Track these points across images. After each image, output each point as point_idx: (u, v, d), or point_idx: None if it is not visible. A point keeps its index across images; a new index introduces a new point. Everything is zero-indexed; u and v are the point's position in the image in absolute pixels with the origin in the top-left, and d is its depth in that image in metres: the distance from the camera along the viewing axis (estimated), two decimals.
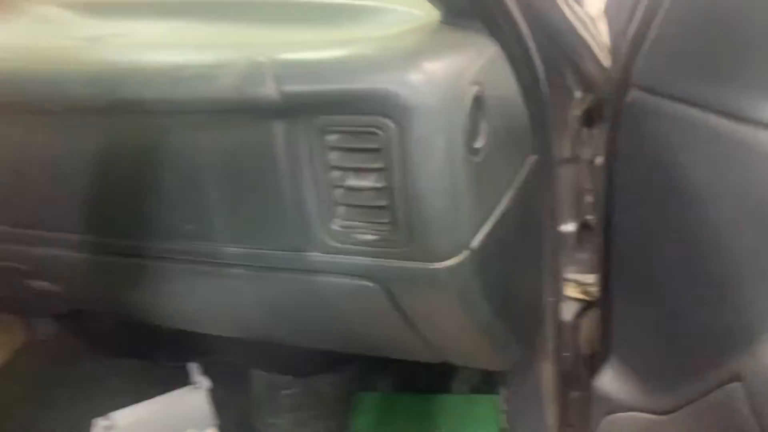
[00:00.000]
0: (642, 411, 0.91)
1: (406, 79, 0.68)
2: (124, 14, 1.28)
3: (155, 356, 1.65)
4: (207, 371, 1.60)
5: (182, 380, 1.58)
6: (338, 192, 0.75)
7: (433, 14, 0.86)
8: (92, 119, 0.82)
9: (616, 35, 0.96)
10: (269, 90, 0.69)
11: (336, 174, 0.74)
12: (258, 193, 0.79)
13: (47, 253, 1.02)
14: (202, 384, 1.58)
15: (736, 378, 0.69)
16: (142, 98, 0.73)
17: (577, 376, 1.18)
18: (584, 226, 1.09)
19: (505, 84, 0.85)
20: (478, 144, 0.75)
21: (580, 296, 1.11)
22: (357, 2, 1.08)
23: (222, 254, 0.87)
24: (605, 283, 1.02)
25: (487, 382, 1.54)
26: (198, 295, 1.04)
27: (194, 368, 1.60)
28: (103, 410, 1.41)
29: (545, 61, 0.91)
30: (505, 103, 0.84)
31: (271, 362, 1.55)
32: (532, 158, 0.95)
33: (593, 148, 1.05)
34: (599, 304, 1.06)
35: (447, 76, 0.71)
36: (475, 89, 0.74)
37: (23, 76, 0.80)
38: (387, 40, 0.80)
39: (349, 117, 0.70)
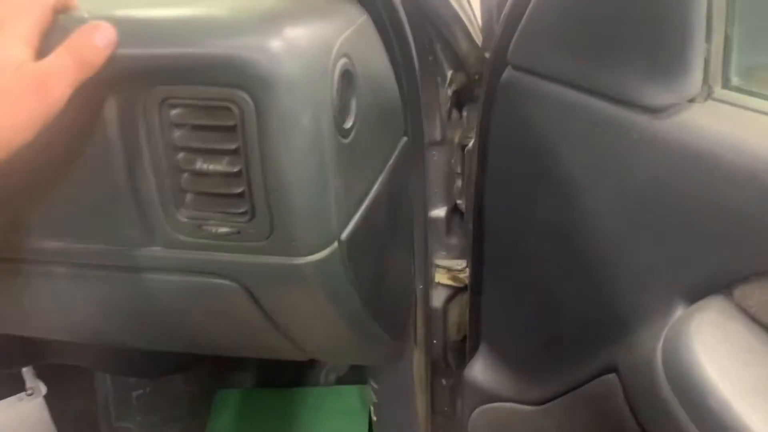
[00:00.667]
0: (514, 402, 0.89)
1: (265, 46, 0.58)
2: None
3: None
4: (43, 375, 1.42)
5: (15, 387, 1.39)
6: (185, 177, 0.64)
7: None
8: None
9: (489, 10, 0.92)
10: None
11: (181, 156, 0.63)
12: (85, 177, 0.65)
13: None
14: (37, 390, 1.41)
15: (612, 369, 0.67)
16: None
17: (446, 363, 1.16)
18: (454, 211, 1.06)
19: (375, 58, 0.77)
20: (348, 123, 0.68)
21: (450, 282, 1.09)
22: None
23: (54, 251, 0.72)
24: (476, 270, 0.99)
25: (355, 373, 1.49)
26: (20, 297, 0.88)
27: (28, 373, 1.42)
28: None
29: (416, 35, 0.85)
30: (375, 80, 0.77)
31: (115, 364, 1.39)
32: (404, 141, 0.89)
33: (464, 130, 1.02)
34: (470, 291, 1.03)
35: (312, 44, 0.62)
36: (342, 61, 0.66)
37: None
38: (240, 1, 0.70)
39: (196, 88, 0.59)
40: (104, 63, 0.57)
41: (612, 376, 0.67)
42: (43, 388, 1.41)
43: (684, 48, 0.62)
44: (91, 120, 0.63)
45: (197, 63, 0.58)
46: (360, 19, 0.73)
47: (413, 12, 0.81)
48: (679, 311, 0.63)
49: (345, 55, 0.66)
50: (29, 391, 1.40)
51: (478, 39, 0.97)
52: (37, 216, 0.69)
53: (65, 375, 1.44)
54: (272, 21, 0.61)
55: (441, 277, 1.08)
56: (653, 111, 0.64)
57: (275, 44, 0.59)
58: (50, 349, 1.34)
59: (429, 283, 1.06)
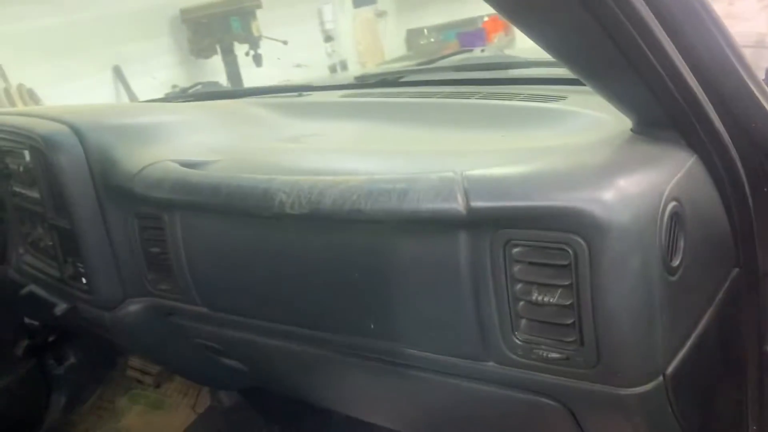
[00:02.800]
0: None
1: (599, 197, 0.66)
2: (319, 114, 1.41)
3: None
4: None
5: None
6: (521, 305, 0.74)
7: (622, 121, 0.83)
8: (294, 223, 0.89)
9: None
10: (458, 205, 0.71)
11: (519, 287, 0.73)
12: (440, 300, 0.79)
13: (242, 337, 1.11)
14: None
15: None
16: (339, 210, 0.78)
17: None
18: None
19: (705, 195, 0.79)
20: (676, 262, 0.71)
21: None
22: (545, 105, 1.09)
23: (400, 354, 0.88)
24: None
25: None
26: (371, 389, 1.06)
27: None
28: None
29: (748, 169, 0.84)
30: (704, 216, 0.79)
31: None
32: (735, 272, 0.87)
33: None
34: None
35: (642, 192, 0.68)
36: (672, 205, 0.70)
37: (235, 184, 0.90)
38: (576, 152, 0.79)
39: (536, 232, 0.70)
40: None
41: None
42: None
43: None
44: (446, 252, 0.77)
45: (540, 213, 0.68)
46: (689, 161, 0.76)
47: (746, 148, 0.81)
48: None
49: (674, 198, 0.70)
50: None
51: None
52: (402, 327, 0.85)
53: None
54: (605, 172, 0.69)
55: None
56: None
57: (608, 196, 0.66)
58: None
59: (765, 425, 0.97)
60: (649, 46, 0.67)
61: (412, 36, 5.59)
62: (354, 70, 4.86)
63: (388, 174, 0.78)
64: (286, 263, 0.93)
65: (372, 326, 0.87)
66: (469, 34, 5.14)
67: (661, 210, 0.68)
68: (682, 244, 0.72)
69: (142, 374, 2.07)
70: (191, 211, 1.03)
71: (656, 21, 0.66)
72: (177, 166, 1.04)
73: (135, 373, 2.08)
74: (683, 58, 0.71)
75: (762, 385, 0.95)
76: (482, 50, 1.73)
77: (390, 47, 5.49)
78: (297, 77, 3.07)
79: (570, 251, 0.68)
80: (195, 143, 1.21)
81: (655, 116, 0.76)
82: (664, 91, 0.71)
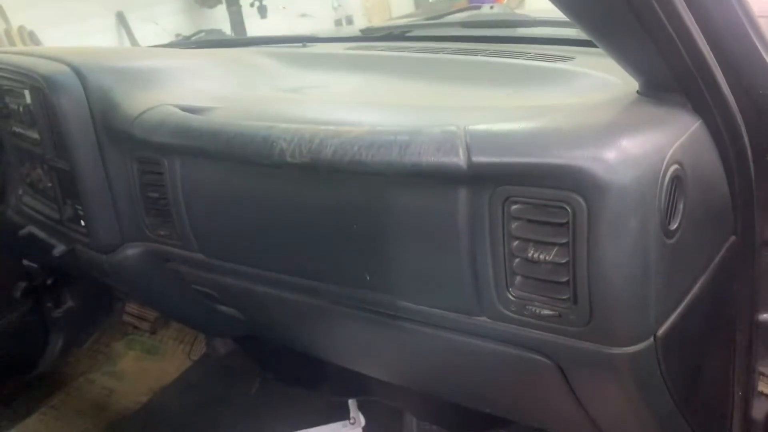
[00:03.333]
0: None
1: (601, 156, 0.65)
2: (322, 66, 1.39)
3: (318, 387, 1.72)
4: (364, 409, 1.64)
5: (341, 414, 1.63)
6: (517, 262, 0.74)
7: (629, 83, 0.83)
8: (293, 172, 0.88)
9: None
10: (459, 160, 0.70)
11: (516, 244, 0.73)
12: (437, 254, 0.80)
13: (237, 284, 1.11)
14: (358, 420, 1.62)
15: None
16: (340, 160, 0.77)
17: None
18: None
19: (707, 161, 0.79)
20: (674, 225, 0.71)
21: None
22: (553, 65, 1.07)
23: (395, 307, 0.89)
24: None
25: None
26: (364, 340, 1.07)
27: (353, 404, 1.65)
28: None
29: (752, 137, 0.84)
30: (705, 181, 0.79)
31: (426, 411, 1.55)
32: (732, 239, 0.87)
33: None
34: None
35: (645, 154, 0.68)
36: (674, 168, 0.70)
37: (235, 130, 0.89)
38: (581, 111, 0.79)
39: (536, 189, 0.69)
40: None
41: None
42: (362, 420, 1.63)
43: None
44: (445, 207, 0.77)
45: (540, 170, 0.68)
46: (694, 125, 0.75)
47: (752, 115, 0.81)
48: None
49: (677, 162, 0.70)
50: (352, 420, 1.63)
51: None
52: (399, 280, 0.85)
53: (381, 412, 1.64)
54: (608, 132, 0.69)
55: (765, 387, 1.00)
56: None
57: (610, 155, 0.66)
58: (373, 386, 1.56)
59: (750, 391, 0.99)
60: (662, 6, 0.65)
61: None
62: (360, 24, 4.80)
63: (391, 126, 0.78)
64: (284, 212, 0.93)
65: (368, 278, 0.87)
66: None
67: (662, 172, 0.68)
68: (681, 207, 0.72)
69: (138, 320, 2.10)
70: (191, 156, 1.02)
71: None
72: (177, 110, 1.03)
73: (132, 319, 2.11)
74: (695, 19, 0.70)
75: (750, 352, 0.96)
76: (491, 7, 1.70)
77: (398, 4, 5.39)
78: (301, 29, 3.02)
79: (569, 209, 0.68)
80: (196, 89, 1.20)
81: (663, 78, 0.76)
82: (673, 52, 0.70)
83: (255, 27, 4.38)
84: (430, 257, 0.80)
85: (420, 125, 0.75)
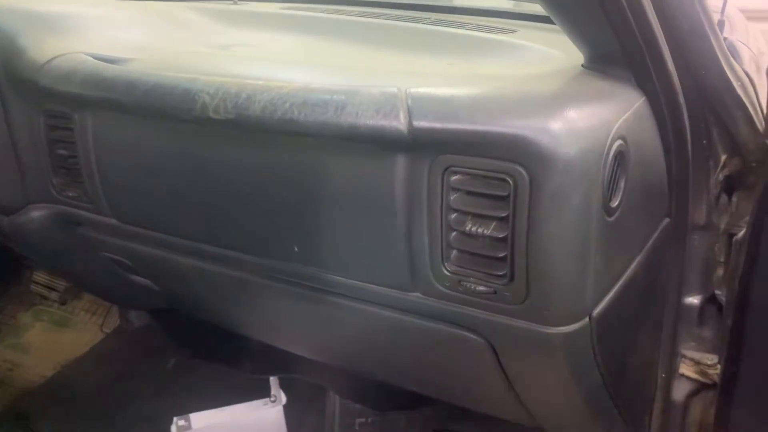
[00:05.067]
0: None
1: (547, 127, 0.62)
2: (255, 24, 1.31)
3: (238, 364, 1.66)
4: (286, 386, 1.59)
5: (261, 392, 1.58)
6: (454, 236, 0.70)
7: (574, 57, 0.80)
8: (217, 131, 0.81)
9: None
10: (399, 124, 0.66)
11: (454, 216, 0.69)
12: (370, 224, 0.75)
13: (152, 253, 1.04)
14: (279, 398, 1.57)
15: None
16: (269, 118, 0.71)
17: None
18: (711, 301, 0.99)
19: (648, 138, 0.77)
20: (615, 202, 0.69)
21: (696, 376, 1.01)
22: (495, 37, 1.04)
23: (324, 281, 0.84)
24: (730, 368, 0.92)
25: None
26: (290, 316, 1.02)
27: (274, 382, 1.60)
28: (182, 410, 1.42)
29: (692, 118, 0.83)
30: (645, 159, 0.77)
31: (349, 389, 1.52)
32: (665, 221, 0.87)
33: (732, 217, 0.96)
34: (719, 389, 0.95)
35: (590, 127, 0.65)
36: (618, 143, 0.68)
37: (153, 81, 0.81)
38: (526, 80, 0.75)
39: (477, 159, 0.66)
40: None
41: None
42: (283, 398, 1.58)
43: None
44: (382, 175, 0.72)
45: (484, 138, 0.64)
46: (638, 101, 0.74)
47: (693, 96, 0.80)
48: None
49: (621, 137, 0.68)
50: (273, 398, 1.58)
51: (761, 125, 0.91)
52: (328, 252, 0.80)
53: (303, 390, 1.59)
54: (554, 103, 0.65)
55: (687, 369, 1.01)
56: None
57: (555, 126, 0.63)
58: (296, 364, 1.51)
59: (673, 373, 1.00)
60: None
61: None
62: None
63: (327, 85, 0.72)
64: (206, 174, 0.85)
65: (296, 249, 0.82)
66: None
67: (607, 147, 0.66)
68: (622, 185, 0.70)
69: (47, 290, 1.96)
70: (104, 110, 0.93)
71: None
72: (89, 58, 0.93)
73: (40, 289, 1.96)
74: None
75: (675, 334, 0.97)
76: None
77: None
78: None
79: (510, 182, 0.65)
80: (113, 39, 1.10)
81: (610, 51, 0.73)
82: (624, 24, 0.68)
83: None
84: (364, 228, 0.76)
85: (358, 85, 0.70)
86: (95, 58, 0.93)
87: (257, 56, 1.09)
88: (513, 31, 1.07)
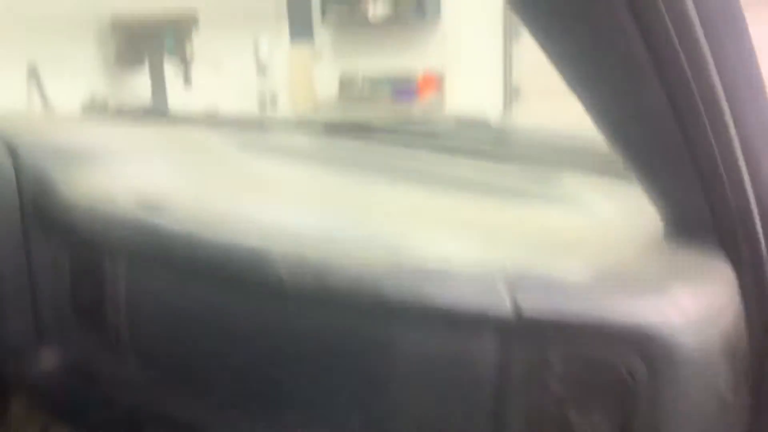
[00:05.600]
0: None
1: (668, 318, 0.58)
2: (283, 155, 1.26)
3: None
4: None
5: None
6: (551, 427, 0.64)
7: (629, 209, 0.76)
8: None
9: None
10: (506, 310, 0.60)
11: (554, 406, 0.63)
12: (451, 409, 0.68)
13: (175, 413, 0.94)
14: None
15: None
16: (354, 293, 0.65)
17: None
18: None
19: (739, 326, 0.72)
20: (730, 396, 0.63)
21: None
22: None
23: None
24: None
25: None
26: None
27: None
28: None
29: None
30: (738, 352, 0.72)
31: None
32: None
33: None
34: None
35: (707, 317, 0.61)
36: (728, 332, 0.63)
37: (219, 244, 0.75)
38: (617, 250, 0.71)
39: (589, 349, 0.60)
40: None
41: None
42: None
43: None
44: (473, 361, 0.65)
45: (599, 328, 0.59)
46: (735, 282, 0.70)
47: None
48: None
49: (728, 326, 0.64)
50: None
51: None
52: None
53: None
54: (668, 288, 0.61)
55: None
56: None
57: (676, 316, 0.58)
58: None
59: None
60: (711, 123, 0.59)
61: (346, 82, 5.51)
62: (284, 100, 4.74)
63: (418, 257, 0.67)
64: (262, 340, 0.78)
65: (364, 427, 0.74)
66: (403, 91, 5.14)
67: (720, 337, 0.61)
68: (734, 376, 0.64)
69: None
70: (143, 262, 0.86)
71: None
72: (130, 204, 0.87)
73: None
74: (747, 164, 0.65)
75: None
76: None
77: (322, 91, 5.38)
78: (226, 103, 2.86)
79: (624, 373, 0.59)
80: (147, 173, 1.04)
81: (698, 223, 0.69)
82: (719, 195, 0.65)
83: (176, 95, 4.23)
84: (447, 412, 0.68)
85: (451, 257, 0.65)
86: (140, 204, 0.88)
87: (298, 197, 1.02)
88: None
